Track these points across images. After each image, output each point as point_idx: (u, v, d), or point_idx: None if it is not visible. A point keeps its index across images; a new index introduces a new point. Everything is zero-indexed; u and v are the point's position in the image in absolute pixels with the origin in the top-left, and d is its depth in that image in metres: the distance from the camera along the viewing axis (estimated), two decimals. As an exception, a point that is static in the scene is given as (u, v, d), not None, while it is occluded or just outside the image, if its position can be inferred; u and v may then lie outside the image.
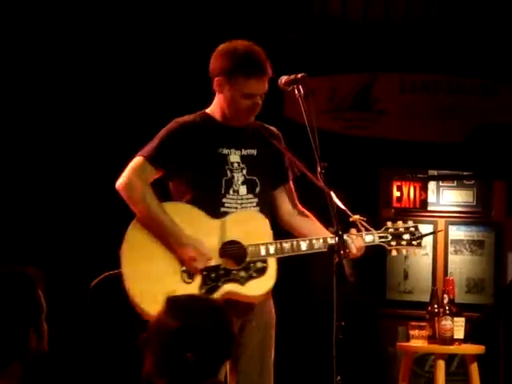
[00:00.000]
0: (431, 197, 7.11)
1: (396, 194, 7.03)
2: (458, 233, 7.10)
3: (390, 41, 7.12)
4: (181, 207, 3.71)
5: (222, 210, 3.69)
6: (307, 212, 3.89)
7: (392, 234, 3.83)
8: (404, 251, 3.89)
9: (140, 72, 6.43)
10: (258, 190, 3.76)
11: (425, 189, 7.09)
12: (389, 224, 3.87)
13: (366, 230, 3.75)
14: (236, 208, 3.69)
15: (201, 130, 3.74)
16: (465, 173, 7.11)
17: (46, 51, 6.27)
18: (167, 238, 3.61)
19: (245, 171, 3.75)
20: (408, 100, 7.17)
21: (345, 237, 3.44)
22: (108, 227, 4.93)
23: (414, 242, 3.87)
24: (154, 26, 6.51)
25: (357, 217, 3.71)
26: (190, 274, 3.61)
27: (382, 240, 3.82)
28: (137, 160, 3.70)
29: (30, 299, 2.44)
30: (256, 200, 3.75)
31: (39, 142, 6.22)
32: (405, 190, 7.06)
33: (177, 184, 3.77)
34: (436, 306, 5.23)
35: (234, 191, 3.72)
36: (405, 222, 3.92)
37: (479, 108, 7.17)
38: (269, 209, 3.82)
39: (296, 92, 3.60)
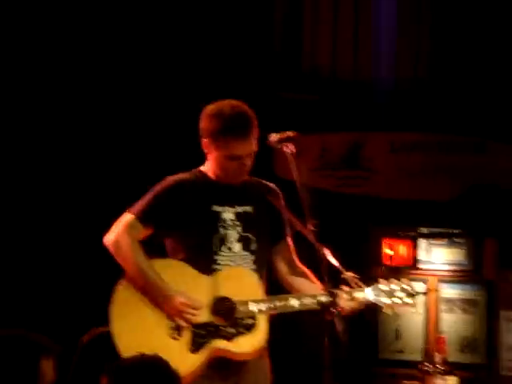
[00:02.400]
0: (422, 255, 7.08)
1: (387, 252, 7.02)
2: (449, 291, 7.06)
3: (379, 100, 7.18)
4: (172, 263, 3.69)
5: (214, 266, 3.67)
6: (305, 269, 3.86)
7: (385, 291, 3.80)
8: (396, 309, 3.83)
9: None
10: (254, 247, 3.75)
11: (415, 247, 7.07)
12: (381, 281, 3.83)
13: (359, 287, 3.73)
14: (228, 265, 3.67)
15: (194, 187, 3.74)
16: (455, 231, 7.11)
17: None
18: (154, 293, 3.58)
19: (240, 228, 3.73)
20: (398, 159, 7.21)
21: (338, 294, 3.43)
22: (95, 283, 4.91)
23: (407, 300, 3.82)
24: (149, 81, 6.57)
25: (350, 274, 3.69)
26: (179, 331, 3.57)
27: (375, 298, 3.78)
28: (126, 217, 3.68)
29: (25, 364, 2.42)
30: (253, 257, 3.73)
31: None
32: (395, 247, 7.04)
33: (170, 242, 3.75)
34: (428, 364, 5.18)
35: (227, 248, 3.70)
36: (399, 280, 3.87)
37: (469, 166, 7.20)
38: (266, 265, 3.80)
39: (286, 150, 3.60)
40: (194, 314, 3.55)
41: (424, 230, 7.11)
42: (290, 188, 3.60)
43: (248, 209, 3.76)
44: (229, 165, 3.69)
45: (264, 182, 3.89)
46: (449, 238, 7.08)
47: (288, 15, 7.30)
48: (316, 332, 3.49)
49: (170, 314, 3.55)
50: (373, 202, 7.07)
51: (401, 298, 3.79)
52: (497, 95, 7.09)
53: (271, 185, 3.90)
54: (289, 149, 3.58)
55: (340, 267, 3.57)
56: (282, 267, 3.83)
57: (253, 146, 3.71)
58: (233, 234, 3.70)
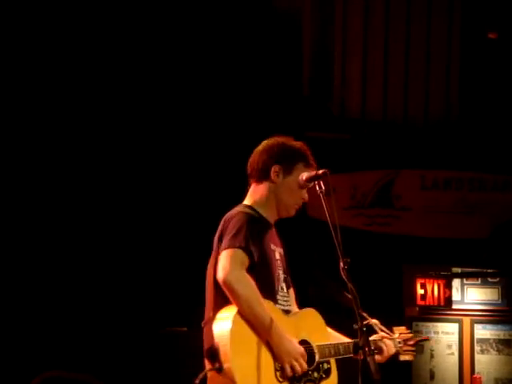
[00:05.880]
0: (456, 295, 7.03)
1: (420, 291, 6.97)
2: (483, 332, 6.99)
3: (410, 139, 7.19)
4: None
5: (277, 306, 3.63)
6: None
7: (403, 340, 3.86)
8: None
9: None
10: (290, 287, 3.74)
11: (449, 286, 7.03)
12: (400, 329, 3.88)
13: (387, 333, 3.75)
14: (283, 305, 3.64)
15: (259, 223, 3.68)
16: (489, 270, 7.05)
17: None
18: (271, 335, 3.44)
19: (282, 269, 3.72)
20: (429, 197, 7.19)
21: (378, 342, 3.57)
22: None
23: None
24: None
25: (375, 321, 3.67)
26: (282, 373, 3.50)
27: (399, 346, 3.84)
28: (234, 252, 3.47)
29: None
30: (290, 297, 3.73)
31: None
32: (429, 287, 7.00)
33: None
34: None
35: (281, 288, 3.67)
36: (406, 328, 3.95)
37: (502, 204, 7.16)
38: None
39: (317, 188, 3.58)
40: (301, 365, 3.51)
41: (457, 270, 7.07)
42: (321, 227, 3.59)
43: (282, 251, 3.76)
44: (297, 194, 3.64)
45: None
46: (482, 277, 7.03)
47: (317, 59, 7.35)
48: (349, 372, 3.46)
49: (281, 356, 3.47)
50: (405, 240, 7.04)
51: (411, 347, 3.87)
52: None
53: None
54: (319, 187, 3.56)
55: (365, 314, 3.54)
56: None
57: None
58: (281, 274, 3.69)
